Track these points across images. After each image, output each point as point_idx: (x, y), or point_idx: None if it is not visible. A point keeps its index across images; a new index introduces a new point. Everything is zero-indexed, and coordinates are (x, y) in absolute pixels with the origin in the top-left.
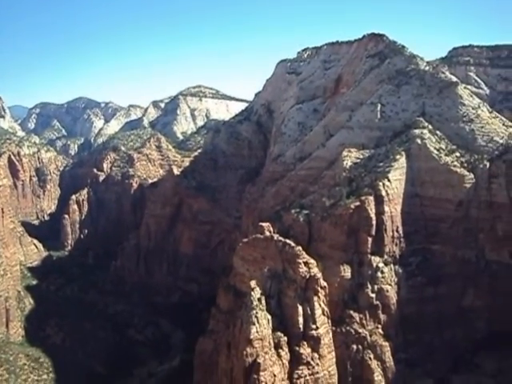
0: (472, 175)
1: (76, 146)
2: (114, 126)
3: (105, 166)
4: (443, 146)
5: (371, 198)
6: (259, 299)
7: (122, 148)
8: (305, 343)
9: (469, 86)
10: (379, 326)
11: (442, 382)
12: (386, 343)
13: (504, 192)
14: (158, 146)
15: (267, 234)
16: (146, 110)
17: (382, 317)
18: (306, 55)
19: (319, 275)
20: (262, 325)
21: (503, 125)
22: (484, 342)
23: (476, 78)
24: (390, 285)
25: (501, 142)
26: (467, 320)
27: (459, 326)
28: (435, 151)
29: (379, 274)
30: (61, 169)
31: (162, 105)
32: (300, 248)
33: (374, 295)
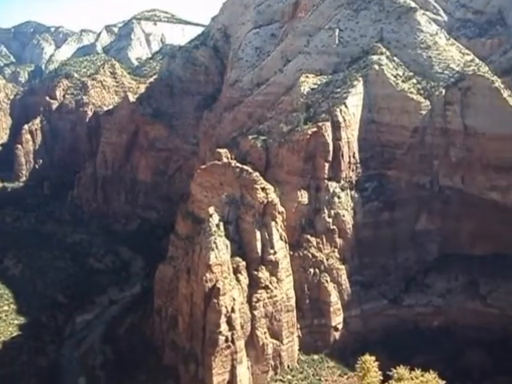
0: (428, 102)
1: (26, 74)
2: (65, 52)
3: (57, 93)
4: (400, 73)
5: (328, 123)
6: (217, 225)
7: (75, 75)
8: (263, 267)
9: (427, 13)
10: (335, 249)
11: (395, 302)
12: (342, 266)
13: (459, 119)
14: (112, 73)
15: (225, 160)
16: (98, 34)
17: (339, 241)
18: None
19: (277, 201)
20: (220, 250)
21: (460, 52)
22: (435, 263)
23: (435, 4)
24: (346, 210)
25: (457, 69)
26: (420, 243)
27: (412, 249)
28: (392, 78)
29: (336, 199)
30: (11, 97)
31: (116, 29)
32: (257, 174)
33: (330, 220)
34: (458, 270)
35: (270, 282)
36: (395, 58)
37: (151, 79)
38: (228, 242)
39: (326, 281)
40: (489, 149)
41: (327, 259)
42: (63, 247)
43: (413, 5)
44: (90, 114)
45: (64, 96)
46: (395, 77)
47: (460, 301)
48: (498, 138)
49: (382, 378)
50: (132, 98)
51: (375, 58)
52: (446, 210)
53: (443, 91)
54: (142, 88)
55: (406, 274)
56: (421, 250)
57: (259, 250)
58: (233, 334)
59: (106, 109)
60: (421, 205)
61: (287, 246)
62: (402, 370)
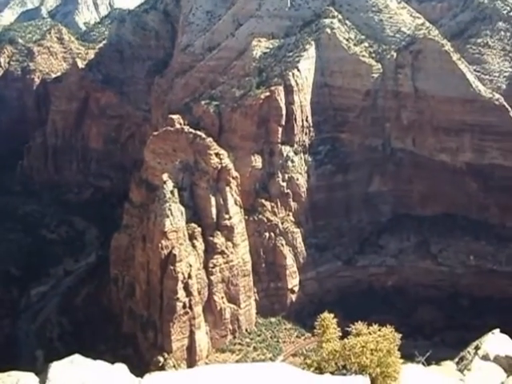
0: (379, 65)
1: None
2: (8, 17)
3: (2, 60)
4: (352, 36)
5: (281, 88)
6: (172, 192)
7: (20, 41)
8: (219, 233)
9: None
10: (290, 213)
11: (349, 263)
12: (297, 229)
13: (410, 82)
14: (59, 38)
15: (177, 126)
16: None
17: (293, 204)
18: None
19: (231, 166)
20: (175, 217)
21: (411, 16)
22: (388, 224)
23: None
24: (300, 173)
25: (408, 32)
26: (373, 205)
27: (365, 211)
28: (344, 41)
29: (289, 163)
30: None
31: None
32: (211, 139)
33: (284, 184)
34: (409, 230)
35: (226, 247)
36: (347, 22)
37: (100, 45)
38: (183, 209)
39: (282, 244)
40: (439, 111)
41: (282, 223)
42: (15, 219)
43: None
44: (37, 81)
45: (9, 63)
46: (347, 40)
47: (412, 260)
48: (447, 100)
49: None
50: (81, 64)
51: (327, 21)
52: (398, 171)
53: (394, 54)
54: (91, 54)
55: (360, 236)
56: (374, 212)
57: (214, 216)
58: (190, 300)
59: (54, 76)
60: (373, 167)
61: (242, 210)
62: (359, 326)
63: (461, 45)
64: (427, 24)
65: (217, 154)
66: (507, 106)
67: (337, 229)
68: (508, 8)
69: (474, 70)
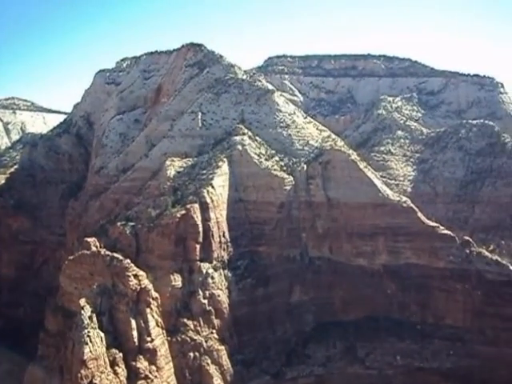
0: (291, 178)
1: None
2: None
3: None
4: (263, 151)
5: (196, 205)
6: (90, 317)
7: None
8: (141, 357)
9: (284, 94)
10: (214, 330)
11: (277, 376)
12: (222, 347)
13: (321, 192)
14: None
15: (93, 249)
16: None
17: (216, 321)
18: (125, 65)
19: (150, 287)
20: (95, 344)
21: (317, 129)
22: (313, 333)
23: (290, 85)
24: (220, 289)
25: (316, 145)
26: (296, 315)
27: (289, 322)
28: (256, 156)
29: (210, 280)
30: None
31: None
32: (128, 261)
33: (206, 301)
34: (335, 337)
35: (150, 372)
36: (257, 138)
37: (12, 169)
38: (102, 334)
39: (207, 363)
40: (351, 217)
41: (206, 341)
42: None
43: (270, 87)
44: None
45: None
46: (258, 155)
47: (340, 367)
48: (359, 206)
49: None
50: None
51: (238, 138)
52: (318, 280)
53: (305, 166)
54: (2, 179)
55: (286, 347)
56: (298, 322)
57: (136, 339)
58: None
59: None
60: (293, 277)
61: (164, 332)
62: None
63: (366, 153)
64: (333, 136)
65: (135, 276)
66: (414, 207)
67: (262, 342)
68: (404, 118)
69: (381, 176)
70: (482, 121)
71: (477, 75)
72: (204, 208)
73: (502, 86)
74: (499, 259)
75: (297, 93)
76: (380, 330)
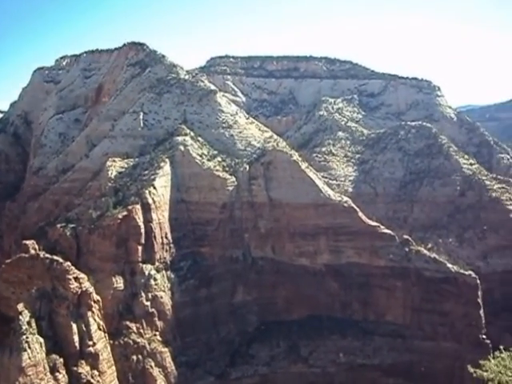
0: (234, 178)
1: None
2: None
3: None
4: (205, 152)
5: (138, 206)
6: (29, 322)
7: None
8: (83, 362)
9: (227, 94)
10: (157, 333)
11: (221, 377)
12: (166, 349)
13: (264, 192)
14: None
15: (32, 252)
16: None
17: (159, 323)
18: (64, 63)
19: (91, 289)
20: (34, 350)
21: (259, 130)
22: (256, 333)
23: (233, 86)
24: (163, 291)
25: (258, 145)
26: (239, 315)
27: (233, 322)
28: (198, 157)
29: (152, 282)
30: None
31: None
32: (69, 263)
33: (148, 303)
34: (278, 336)
35: (92, 376)
36: (199, 138)
37: None
38: (42, 340)
39: (151, 366)
40: (294, 218)
41: (149, 343)
42: None
43: (213, 87)
44: None
45: None
46: (201, 156)
47: (284, 366)
48: (300, 207)
49: None
50: None
51: (180, 139)
52: (261, 279)
53: (247, 167)
54: None
55: (230, 348)
56: (241, 322)
57: (77, 344)
58: None
59: None
60: (236, 278)
61: (106, 335)
62: None
63: (307, 154)
64: (275, 136)
65: (76, 279)
66: (355, 207)
67: (206, 343)
68: (345, 119)
69: (322, 177)
70: (420, 123)
71: (415, 78)
72: (146, 209)
73: (439, 89)
74: (437, 257)
75: (239, 93)
76: (323, 328)
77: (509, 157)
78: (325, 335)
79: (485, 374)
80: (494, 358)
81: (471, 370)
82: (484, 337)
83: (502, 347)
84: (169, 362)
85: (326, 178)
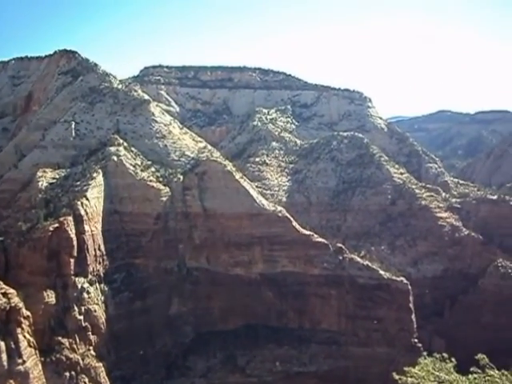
0: (168, 189)
1: None
2: None
3: None
4: (139, 162)
5: (70, 218)
6: None
7: None
8: (11, 381)
9: (160, 104)
10: (90, 347)
11: None
12: (100, 364)
13: (198, 202)
14: None
15: None
16: None
17: (93, 338)
18: None
19: (21, 305)
20: None
21: (193, 140)
22: (193, 344)
23: (167, 96)
24: (97, 304)
25: (192, 156)
26: (175, 327)
27: (169, 334)
28: (131, 167)
29: (85, 295)
30: None
31: None
32: None
33: (81, 317)
34: (215, 347)
35: None
36: (133, 148)
37: None
38: None
39: (85, 382)
40: (228, 228)
41: (83, 359)
42: None
43: (146, 97)
44: None
45: None
46: (134, 166)
47: (221, 377)
48: (235, 216)
49: None
50: None
51: (113, 149)
52: (196, 290)
53: (181, 177)
54: None
55: (166, 360)
56: (177, 334)
57: (5, 362)
58: None
59: None
60: (171, 289)
61: (37, 352)
62: None
63: (242, 164)
64: (209, 147)
65: (4, 294)
66: (289, 216)
67: (142, 357)
68: (279, 130)
69: (256, 186)
70: (352, 133)
71: (347, 90)
72: (78, 221)
73: (370, 100)
74: (370, 264)
75: (173, 103)
76: (259, 337)
77: (437, 166)
78: (261, 344)
79: (409, 379)
80: (418, 364)
81: (396, 376)
82: (416, 340)
83: (425, 354)
84: (103, 377)
85: (260, 187)
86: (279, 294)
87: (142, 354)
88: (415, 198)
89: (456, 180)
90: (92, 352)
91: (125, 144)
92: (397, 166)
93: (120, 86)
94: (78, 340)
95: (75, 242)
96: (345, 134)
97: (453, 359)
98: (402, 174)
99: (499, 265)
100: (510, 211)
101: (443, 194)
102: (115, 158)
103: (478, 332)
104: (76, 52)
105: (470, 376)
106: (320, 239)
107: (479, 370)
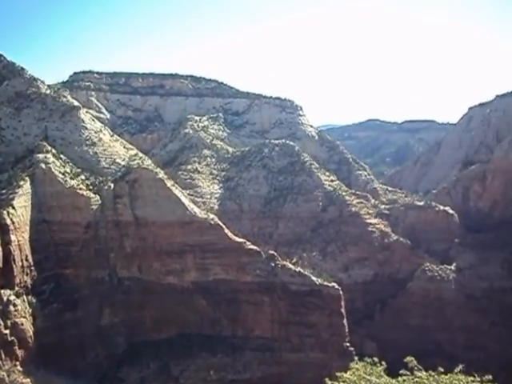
0: (98, 197)
1: None
2: None
3: None
4: (68, 170)
5: None
6: None
7: None
8: None
9: (90, 111)
10: (17, 362)
11: None
12: (27, 379)
13: (129, 210)
14: None
15: None
16: None
17: (20, 352)
18: None
19: None
20: None
21: (124, 147)
22: (125, 355)
23: (97, 102)
24: (24, 317)
25: (123, 163)
26: (107, 338)
27: (100, 346)
28: (60, 175)
29: (11, 308)
30: None
31: None
32: None
33: (7, 331)
34: (148, 357)
35: None
36: (62, 156)
37: None
38: None
39: None
40: (160, 236)
41: (9, 375)
42: None
43: (76, 103)
44: None
45: None
46: (63, 174)
47: None
48: (167, 225)
49: None
50: None
51: (41, 156)
52: (128, 300)
53: (112, 185)
54: None
55: (98, 372)
56: (109, 345)
57: None
58: None
59: None
60: (102, 299)
61: None
62: None
63: (173, 172)
64: (140, 154)
65: None
66: (221, 224)
67: (72, 369)
68: (210, 137)
69: (188, 194)
70: (283, 141)
71: (278, 98)
72: (4, 230)
73: (301, 108)
74: (302, 271)
75: (103, 110)
76: (193, 346)
77: (366, 173)
78: (195, 353)
79: None
80: (349, 368)
81: (329, 382)
82: (348, 345)
83: (357, 358)
84: None
85: (191, 195)
86: (212, 302)
87: (72, 367)
88: (345, 204)
89: (385, 187)
90: (19, 367)
91: (53, 151)
92: (327, 174)
93: (48, 92)
94: (3, 355)
95: (1, 253)
96: (276, 141)
97: (383, 362)
98: (332, 181)
99: (426, 269)
100: (435, 217)
101: (372, 201)
102: (43, 166)
103: (408, 334)
104: (1, 55)
105: (399, 378)
106: (252, 246)
107: (408, 372)
